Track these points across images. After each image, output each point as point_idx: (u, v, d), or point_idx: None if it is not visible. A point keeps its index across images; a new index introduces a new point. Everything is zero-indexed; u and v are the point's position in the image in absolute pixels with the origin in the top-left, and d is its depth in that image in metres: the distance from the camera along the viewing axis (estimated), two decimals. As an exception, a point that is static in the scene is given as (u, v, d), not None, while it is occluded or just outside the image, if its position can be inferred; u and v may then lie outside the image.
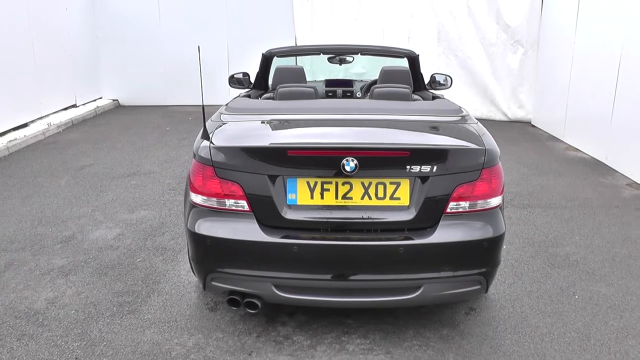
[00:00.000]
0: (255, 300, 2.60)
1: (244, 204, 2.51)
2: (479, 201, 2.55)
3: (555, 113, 7.37)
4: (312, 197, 2.49)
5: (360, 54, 4.40)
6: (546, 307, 3.08)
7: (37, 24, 7.79)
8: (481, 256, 2.57)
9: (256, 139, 2.71)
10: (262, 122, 2.87)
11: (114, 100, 9.89)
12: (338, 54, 4.56)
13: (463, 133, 2.76)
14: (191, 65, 9.15)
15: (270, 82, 4.35)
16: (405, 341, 2.75)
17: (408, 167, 2.45)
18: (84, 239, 4.01)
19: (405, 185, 2.49)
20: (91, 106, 9.25)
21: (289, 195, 2.50)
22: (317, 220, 2.51)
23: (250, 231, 2.49)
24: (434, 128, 2.86)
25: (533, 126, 8.13)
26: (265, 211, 2.50)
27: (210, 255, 2.59)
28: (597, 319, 2.97)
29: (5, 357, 2.63)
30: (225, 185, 2.51)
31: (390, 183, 2.49)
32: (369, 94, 3.53)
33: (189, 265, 3.37)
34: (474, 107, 8.20)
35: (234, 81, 4.42)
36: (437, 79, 4.41)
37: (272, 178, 2.48)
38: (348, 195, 2.50)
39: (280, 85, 3.41)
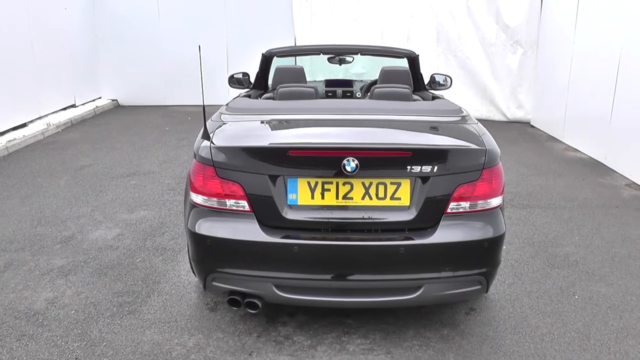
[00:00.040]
0: (255, 301, 2.60)
1: (244, 204, 2.51)
2: (480, 201, 2.56)
3: (554, 113, 7.37)
4: (312, 197, 2.49)
5: (360, 54, 4.40)
6: (546, 307, 3.09)
7: (36, 24, 7.78)
8: (482, 256, 2.57)
9: (257, 139, 2.71)
10: (263, 122, 2.87)
11: (113, 100, 9.88)
12: (338, 54, 4.56)
13: (463, 133, 2.76)
14: (190, 65, 9.16)
15: (270, 82, 4.35)
16: (405, 341, 2.75)
17: (409, 167, 2.45)
18: (84, 239, 4.00)
19: (405, 186, 2.50)
20: (90, 106, 9.24)
21: (289, 195, 2.50)
22: (317, 220, 2.51)
23: (250, 231, 2.49)
24: (435, 128, 2.87)
25: (532, 126, 8.14)
26: (265, 211, 2.50)
27: (210, 255, 2.59)
28: (597, 319, 2.98)
29: (5, 357, 2.62)
30: (226, 185, 2.51)
31: (391, 183, 2.49)
32: (369, 94, 3.53)
33: (189, 265, 3.37)
34: (473, 107, 8.20)
35: (233, 81, 4.42)
36: (436, 79, 4.41)
37: (273, 178, 2.48)
38: (349, 196, 2.50)
39: (281, 85, 3.41)
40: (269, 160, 2.50)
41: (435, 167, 2.47)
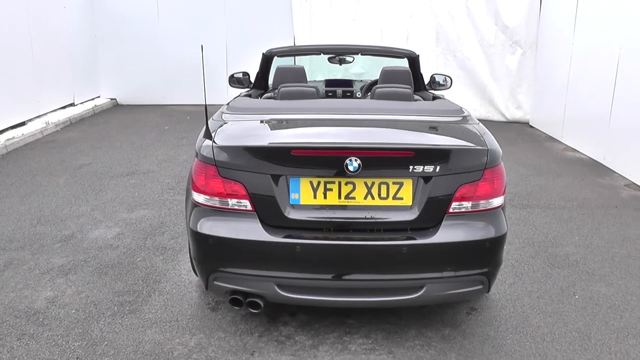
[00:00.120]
0: (257, 300, 2.59)
1: (246, 204, 2.51)
2: (482, 201, 2.56)
3: (553, 114, 7.39)
4: (315, 197, 2.49)
5: (361, 54, 4.41)
6: (547, 307, 3.10)
7: (35, 23, 7.76)
8: (483, 256, 2.58)
9: (259, 138, 2.71)
10: (265, 121, 2.87)
11: (112, 99, 9.86)
12: (339, 54, 4.56)
13: (465, 133, 2.76)
14: (190, 64, 9.15)
15: (270, 81, 4.35)
16: (407, 341, 2.75)
17: (411, 167, 2.45)
18: (84, 238, 3.99)
19: (408, 185, 2.50)
20: (89, 105, 9.22)
21: (292, 195, 2.50)
22: (320, 220, 2.51)
23: (253, 231, 2.49)
24: (437, 128, 2.87)
25: (531, 127, 8.15)
26: (268, 211, 2.50)
27: (212, 254, 2.59)
28: (597, 319, 2.99)
29: (5, 356, 2.62)
30: (228, 184, 2.50)
31: (393, 183, 2.49)
32: (369, 94, 3.53)
33: (189, 264, 3.37)
34: (473, 107, 8.21)
35: (233, 80, 4.41)
36: (436, 79, 4.42)
37: (275, 178, 2.48)
38: (351, 195, 2.50)
39: (282, 85, 3.41)
40: (272, 159, 2.50)
41: (438, 167, 2.47)
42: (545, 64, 7.73)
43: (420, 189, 2.50)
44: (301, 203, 2.50)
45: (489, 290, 2.69)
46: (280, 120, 2.92)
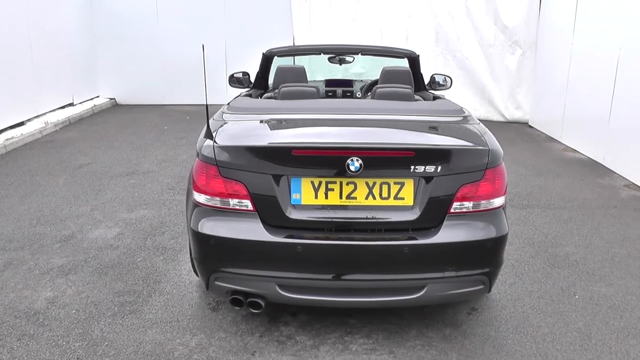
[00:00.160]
0: (258, 300, 2.59)
1: (247, 204, 2.50)
2: (483, 201, 2.56)
3: (552, 114, 7.39)
4: (316, 197, 2.49)
5: (361, 54, 4.40)
6: (547, 307, 3.10)
7: (34, 22, 7.74)
8: (485, 256, 2.58)
9: (261, 138, 2.71)
10: (266, 121, 2.87)
11: (111, 99, 9.84)
12: (339, 54, 4.56)
13: (466, 133, 2.76)
14: (189, 64, 9.13)
15: (270, 81, 4.34)
16: (408, 341, 2.75)
17: (412, 167, 2.45)
18: (84, 238, 3.99)
19: (409, 185, 2.50)
20: (88, 105, 9.21)
21: (293, 195, 2.49)
22: (321, 220, 2.51)
23: (254, 231, 2.49)
24: (438, 128, 2.87)
25: (530, 127, 8.16)
26: (269, 211, 2.50)
27: (213, 255, 2.58)
28: (597, 319, 2.99)
29: (5, 357, 2.61)
30: (229, 184, 2.50)
31: (395, 183, 2.49)
32: (370, 94, 3.53)
33: (190, 264, 3.37)
34: (472, 107, 8.20)
35: (233, 80, 4.41)
36: (436, 79, 4.42)
37: (277, 178, 2.48)
38: (352, 195, 2.50)
39: (283, 85, 3.40)
40: (273, 159, 2.49)
41: (439, 167, 2.47)
42: (545, 64, 7.74)
43: (422, 189, 2.50)
44: (302, 203, 2.50)
45: (490, 290, 2.69)
46: (282, 120, 2.92)
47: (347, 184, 2.48)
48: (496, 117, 8.48)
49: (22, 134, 6.98)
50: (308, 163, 2.48)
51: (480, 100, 8.49)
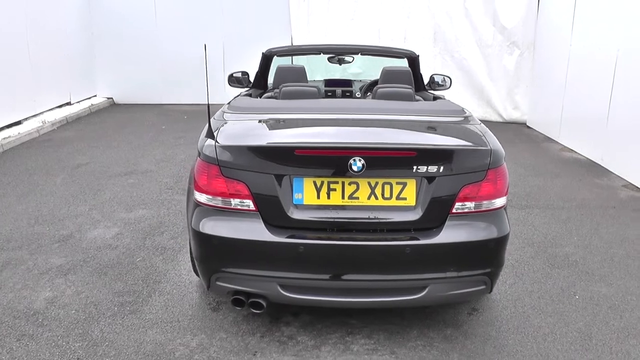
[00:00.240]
0: (260, 300, 2.58)
1: (249, 204, 2.49)
2: (484, 202, 2.56)
3: (550, 114, 7.41)
4: (318, 197, 2.49)
5: (361, 54, 4.40)
6: (547, 307, 3.10)
7: (32, 21, 7.70)
8: (486, 256, 2.58)
9: (263, 138, 2.70)
10: (268, 121, 2.86)
11: (108, 98, 9.81)
12: (339, 54, 4.55)
13: (468, 134, 2.76)
14: (187, 64, 9.12)
15: (270, 81, 4.33)
16: (409, 341, 2.75)
17: (415, 167, 2.45)
18: (82, 238, 3.97)
19: (411, 186, 2.49)
20: (86, 104, 9.17)
21: (295, 195, 2.49)
22: (323, 220, 2.50)
23: (256, 231, 2.48)
24: (440, 128, 2.87)
25: (528, 127, 8.17)
26: (271, 211, 2.49)
27: (215, 255, 2.57)
28: (598, 319, 3.00)
29: (5, 357, 2.59)
30: (231, 184, 2.49)
31: (397, 183, 2.49)
32: (370, 94, 3.52)
33: (189, 264, 3.36)
34: (470, 108, 8.14)
35: (233, 80, 4.40)
36: (436, 79, 4.42)
37: (279, 177, 2.47)
38: (354, 195, 2.49)
39: (284, 85, 3.39)
40: (275, 159, 2.49)
41: (441, 168, 2.47)
42: (543, 65, 7.75)
43: (424, 189, 2.50)
44: (304, 203, 2.49)
45: (491, 291, 2.69)
46: (283, 120, 2.91)
47: (350, 184, 2.48)
48: (494, 118, 8.49)
49: (19, 133, 6.94)
50: (310, 163, 2.47)
51: (478, 100, 8.50)
